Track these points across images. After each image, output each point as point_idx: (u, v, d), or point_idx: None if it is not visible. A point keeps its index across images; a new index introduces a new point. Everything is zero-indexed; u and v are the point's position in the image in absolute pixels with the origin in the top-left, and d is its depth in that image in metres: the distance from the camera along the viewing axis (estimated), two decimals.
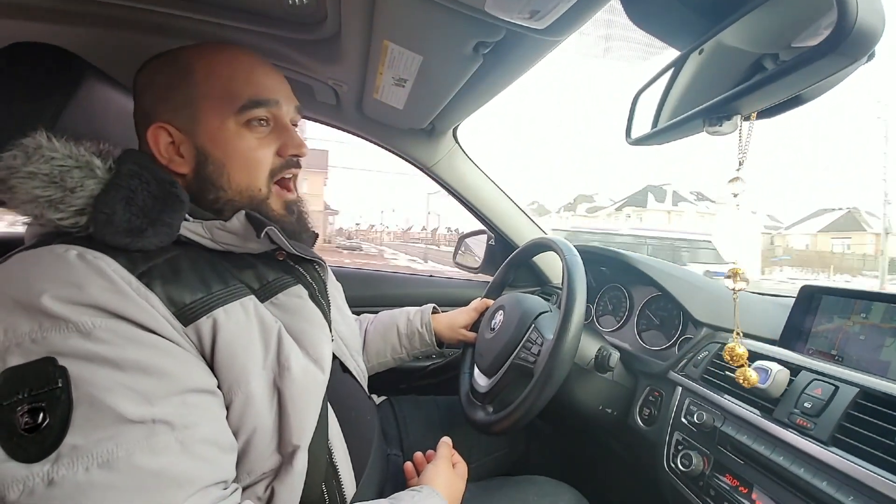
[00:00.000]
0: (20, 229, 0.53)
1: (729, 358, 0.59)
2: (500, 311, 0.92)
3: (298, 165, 0.64)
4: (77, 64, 0.64)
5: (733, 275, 0.53)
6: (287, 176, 0.64)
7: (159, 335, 0.45)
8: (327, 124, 1.19)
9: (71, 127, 0.59)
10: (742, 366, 0.59)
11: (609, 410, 0.88)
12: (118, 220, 0.48)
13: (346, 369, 0.72)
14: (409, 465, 0.78)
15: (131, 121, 0.76)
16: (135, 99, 0.62)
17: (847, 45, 0.37)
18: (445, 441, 0.78)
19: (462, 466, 0.76)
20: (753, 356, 0.70)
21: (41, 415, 0.38)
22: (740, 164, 0.49)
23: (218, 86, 0.58)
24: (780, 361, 0.66)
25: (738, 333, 0.59)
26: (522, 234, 1.37)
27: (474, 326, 1.01)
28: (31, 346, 0.39)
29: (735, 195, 0.50)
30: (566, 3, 0.52)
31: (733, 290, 0.54)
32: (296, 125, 0.67)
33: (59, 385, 0.39)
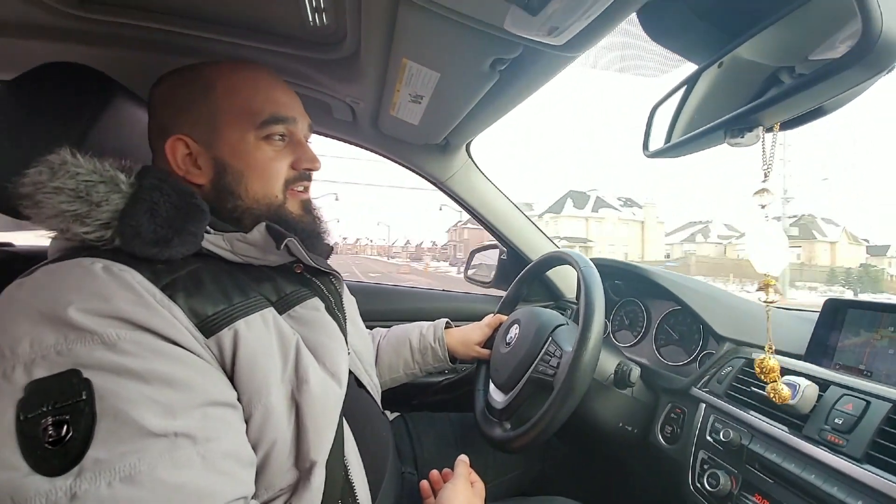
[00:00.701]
0: (42, 242, 0.54)
1: (759, 371, 0.58)
2: (516, 325, 0.91)
3: (310, 178, 0.68)
4: (106, 83, 0.66)
5: (765, 287, 0.52)
6: (299, 188, 0.66)
7: (183, 347, 0.45)
8: (343, 140, 1.21)
9: (99, 143, 0.61)
10: (774, 380, 0.57)
11: (629, 428, 0.86)
12: (145, 231, 0.49)
13: (360, 384, 0.72)
14: (424, 483, 0.77)
15: None
16: (150, 112, 0.64)
17: (872, 57, 0.37)
18: (463, 459, 0.76)
19: (480, 486, 0.75)
20: (780, 371, 0.68)
21: (65, 427, 0.37)
22: (766, 175, 0.49)
23: (239, 101, 0.60)
24: (808, 376, 0.65)
25: (770, 347, 0.57)
26: (536, 248, 1.37)
27: (488, 343, 1.00)
28: (57, 359, 0.39)
29: (763, 206, 0.50)
30: (585, 20, 0.53)
31: (766, 302, 0.53)
32: (307, 141, 0.70)
33: (84, 398, 0.38)
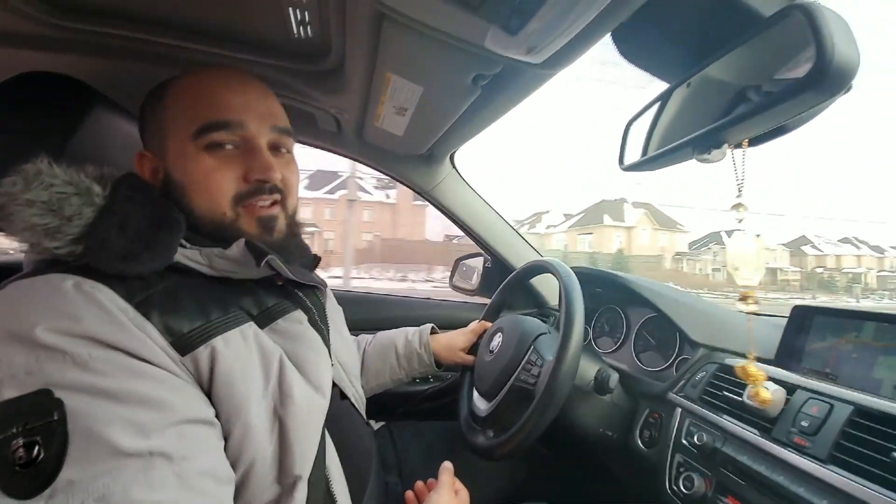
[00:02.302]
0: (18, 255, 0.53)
1: (744, 376, 0.60)
2: (499, 334, 0.92)
3: (272, 191, 0.59)
4: (85, 92, 0.66)
5: (744, 298, 0.55)
6: (259, 203, 0.59)
7: (155, 365, 0.44)
8: (328, 150, 1.21)
9: (79, 153, 0.60)
10: (755, 383, 0.60)
11: (609, 433, 0.88)
12: (112, 245, 0.47)
13: (344, 396, 0.71)
14: (409, 494, 0.77)
15: (137, 147, 0.77)
16: None
17: (827, 82, 0.40)
18: (447, 467, 0.77)
19: (464, 493, 0.75)
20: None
21: (36, 449, 0.36)
22: (739, 190, 0.52)
23: (181, 109, 0.57)
24: (776, 380, 0.67)
25: (751, 354, 0.60)
26: (519, 256, 1.39)
27: (473, 349, 1.01)
28: (26, 378, 0.38)
29: (739, 221, 0.53)
30: (561, 40, 0.55)
31: (748, 312, 0.55)
32: (281, 147, 0.63)
33: (56, 418, 0.37)
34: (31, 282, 0.45)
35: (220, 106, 0.57)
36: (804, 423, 0.61)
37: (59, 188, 0.48)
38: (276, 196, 0.60)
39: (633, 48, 0.56)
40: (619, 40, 0.56)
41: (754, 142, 0.54)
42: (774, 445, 0.61)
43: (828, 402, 0.61)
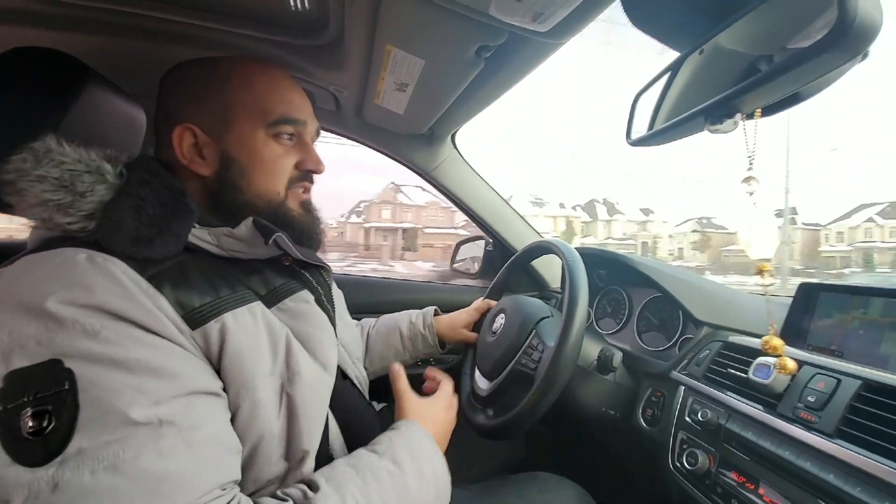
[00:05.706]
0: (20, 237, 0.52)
1: (768, 348, 0.60)
2: (502, 314, 0.92)
3: (312, 180, 0.68)
4: (79, 68, 0.64)
5: (760, 272, 0.54)
6: (300, 189, 0.67)
7: (165, 338, 0.44)
8: (326, 130, 1.19)
9: (72, 132, 0.58)
10: (780, 355, 0.60)
11: (612, 412, 0.88)
12: (126, 228, 0.47)
13: (346, 376, 0.72)
14: (395, 366, 0.76)
15: (133, 127, 0.75)
16: (159, 100, 0.62)
17: (848, 40, 0.38)
18: (447, 379, 0.78)
19: (454, 413, 0.75)
20: (755, 353, 0.71)
21: (46, 418, 0.37)
22: (751, 163, 0.50)
23: (252, 97, 0.60)
24: None
25: (772, 326, 0.60)
26: (521, 239, 1.38)
27: (476, 326, 1.01)
28: (37, 349, 0.39)
29: (750, 194, 0.51)
30: (569, 6, 0.53)
31: (763, 286, 0.54)
32: (314, 143, 0.71)
33: (66, 387, 0.38)
34: (43, 255, 0.45)
35: (291, 103, 0.64)
36: (810, 399, 0.60)
37: (69, 165, 0.48)
38: (311, 184, 0.69)
39: (645, 13, 0.54)
40: (629, 5, 0.54)
41: (768, 111, 0.53)
42: (780, 421, 0.61)
43: (835, 378, 0.60)
